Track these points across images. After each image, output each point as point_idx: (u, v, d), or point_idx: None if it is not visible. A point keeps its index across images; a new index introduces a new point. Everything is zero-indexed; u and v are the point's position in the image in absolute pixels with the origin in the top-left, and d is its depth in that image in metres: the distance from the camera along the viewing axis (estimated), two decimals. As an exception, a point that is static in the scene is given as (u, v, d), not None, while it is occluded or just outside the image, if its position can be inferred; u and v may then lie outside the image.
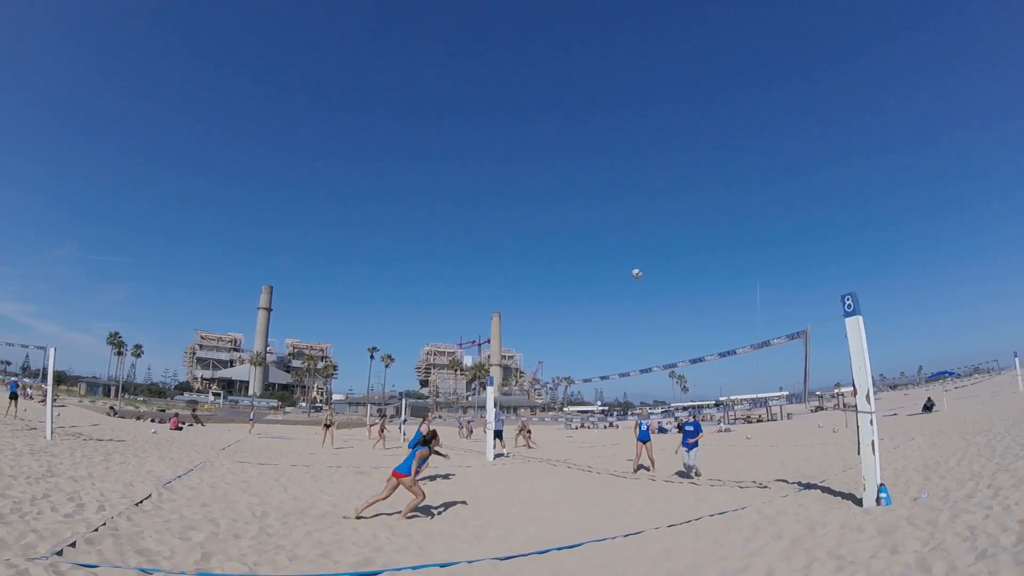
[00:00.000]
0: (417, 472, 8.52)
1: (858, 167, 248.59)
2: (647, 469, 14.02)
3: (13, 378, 32.46)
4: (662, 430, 40.48)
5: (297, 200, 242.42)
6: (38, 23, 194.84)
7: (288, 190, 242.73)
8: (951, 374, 57.93)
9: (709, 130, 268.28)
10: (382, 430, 25.41)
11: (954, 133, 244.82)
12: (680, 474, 12.95)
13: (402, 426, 33.97)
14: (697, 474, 12.53)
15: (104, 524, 6.19)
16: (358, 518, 7.89)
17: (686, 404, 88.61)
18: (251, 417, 42.28)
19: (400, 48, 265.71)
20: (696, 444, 12.78)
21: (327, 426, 24.56)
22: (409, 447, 11.79)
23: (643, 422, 14.52)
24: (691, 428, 13.05)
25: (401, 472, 8.18)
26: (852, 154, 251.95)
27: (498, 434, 20.79)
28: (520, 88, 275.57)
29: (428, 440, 9.03)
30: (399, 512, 8.16)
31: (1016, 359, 38.28)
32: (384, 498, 8.15)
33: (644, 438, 14.13)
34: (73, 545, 5.23)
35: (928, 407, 28.87)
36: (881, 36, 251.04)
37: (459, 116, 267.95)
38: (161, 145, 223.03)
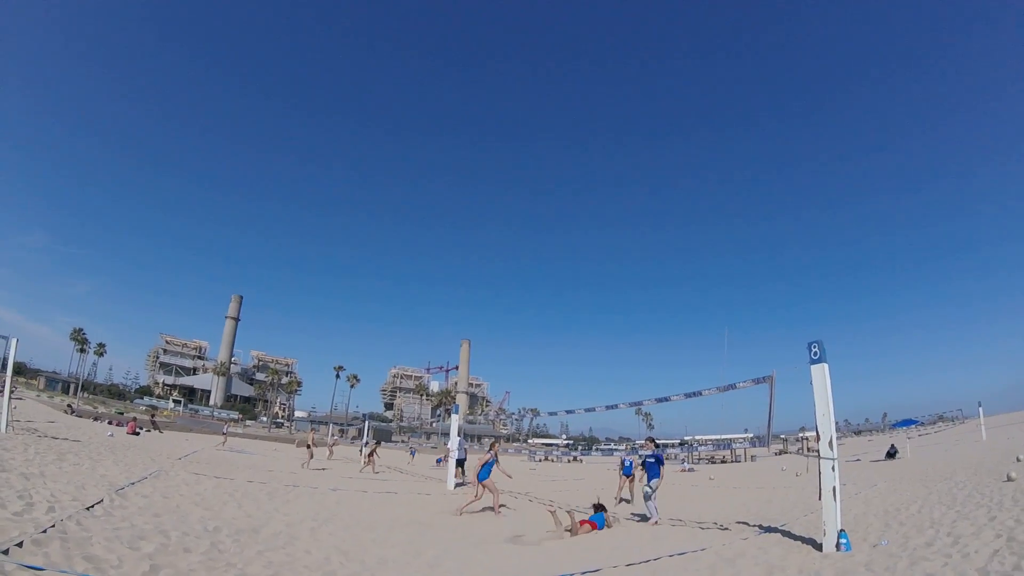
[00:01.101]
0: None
1: (826, 214, 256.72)
2: (628, 502, 14.88)
3: None
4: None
5: (273, 212, 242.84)
6: (8, 11, 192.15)
7: (265, 200, 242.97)
8: (915, 423, 59.04)
9: (681, 169, 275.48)
10: (371, 455, 24.58)
11: (922, 182, 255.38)
12: (640, 517, 12.13)
13: (363, 448, 33.31)
14: (656, 522, 11.19)
15: (53, 526, 5.99)
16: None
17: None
18: (224, 431, 41.14)
19: (379, 63, 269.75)
20: (657, 478, 11.40)
21: (309, 446, 23.90)
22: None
23: (627, 459, 15.56)
24: (652, 460, 11.67)
25: (595, 523, 10.25)
26: (819, 201, 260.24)
27: (460, 463, 20.55)
28: (497, 115, 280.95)
29: (602, 508, 10.95)
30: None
31: (980, 408, 39.13)
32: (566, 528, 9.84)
33: (628, 472, 15.11)
34: (20, 545, 5.06)
35: (891, 454, 29.29)
36: (855, 83, 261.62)
37: (438, 140, 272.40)
38: (139, 141, 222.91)
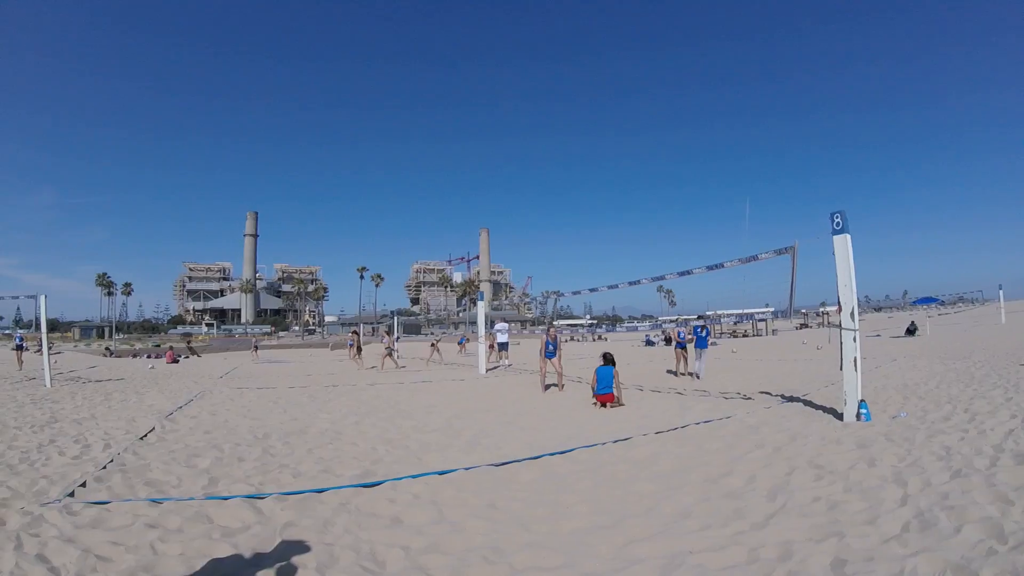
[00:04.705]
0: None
1: (851, 85, 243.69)
2: (674, 374, 15.97)
3: (20, 332, 32.58)
4: (649, 343, 41.30)
5: (278, 123, 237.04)
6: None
7: (268, 112, 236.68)
8: (935, 301, 58.83)
9: (702, 34, 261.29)
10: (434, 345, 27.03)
11: (953, 52, 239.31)
12: (690, 374, 14.95)
13: (394, 344, 34.25)
14: (698, 377, 14.30)
15: (111, 461, 6.30)
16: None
17: (673, 317, 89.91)
18: (254, 345, 42.57)
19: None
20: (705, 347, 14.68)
21: (434, 344, 26.42)
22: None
23: (681, 331, 16.53)
24: (706, 334, 15.14)
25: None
26: (847, 66, 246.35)
27: (503, 346, 21.33)
28: (519, 24, 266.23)
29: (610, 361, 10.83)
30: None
31: (1000, 291, 38.97)
32: None
33: (681, 346, 15.98)
34: (84, 485, 5.31)
35: (911, 331, 29.39)
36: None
37: (449, 45, 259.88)
38: (133, 68, 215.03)
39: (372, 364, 23.82)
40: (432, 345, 27.46)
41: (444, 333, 32.55)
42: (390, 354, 23.06)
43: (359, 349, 24.35)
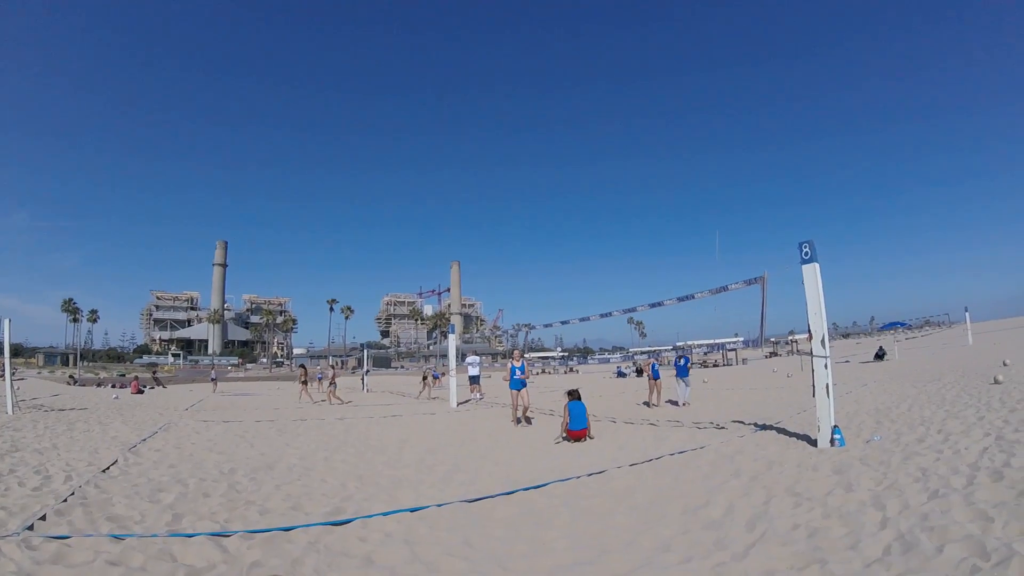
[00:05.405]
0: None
1: (816, 111, 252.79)
2: (648, 406, 16.03)
3: None
4: (620, 374, 41.43)
5: (247, 152, 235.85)
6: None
7: (238, 141, 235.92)
8: (903, 325, 60.21)
9: (668, 66, 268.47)
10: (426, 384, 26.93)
11: (916, 76, 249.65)
12: (671, 402, 15.88)
13: (364, 377, 33.93)
14: (686, 404, 15.14)
15: (72, 494, 6.09)
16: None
17: (644, 349, 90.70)
18: (213, 377, 41.65)
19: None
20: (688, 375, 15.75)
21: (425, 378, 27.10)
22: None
23: (655, 364, 17.04)
24: (684, 363, 16.21)
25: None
26: (809, 97, 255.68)
27: (475, 379, 21.13)
28: (482, 54, 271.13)
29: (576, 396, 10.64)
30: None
31: (967, 313, 40.25)
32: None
33: (655, 376, 16.29)
34: (43, 518, 5.14)
35: (880, 355, 29.85)
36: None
37: (417, 73, 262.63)
38: (109, 95, 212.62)
39: (320, 398, 23.81)
40: (424, 379, 27.57)
41: (430, 368, 33.16)
42: (334, 389, 23.26)
43: (305, 383, 24.45)
